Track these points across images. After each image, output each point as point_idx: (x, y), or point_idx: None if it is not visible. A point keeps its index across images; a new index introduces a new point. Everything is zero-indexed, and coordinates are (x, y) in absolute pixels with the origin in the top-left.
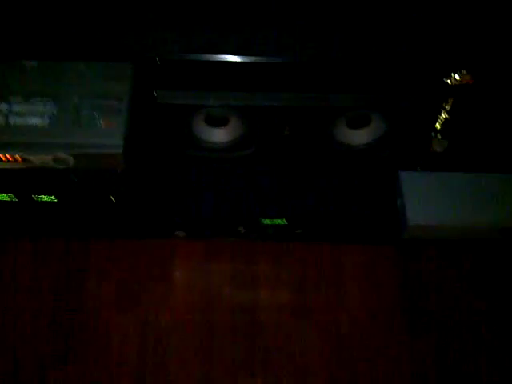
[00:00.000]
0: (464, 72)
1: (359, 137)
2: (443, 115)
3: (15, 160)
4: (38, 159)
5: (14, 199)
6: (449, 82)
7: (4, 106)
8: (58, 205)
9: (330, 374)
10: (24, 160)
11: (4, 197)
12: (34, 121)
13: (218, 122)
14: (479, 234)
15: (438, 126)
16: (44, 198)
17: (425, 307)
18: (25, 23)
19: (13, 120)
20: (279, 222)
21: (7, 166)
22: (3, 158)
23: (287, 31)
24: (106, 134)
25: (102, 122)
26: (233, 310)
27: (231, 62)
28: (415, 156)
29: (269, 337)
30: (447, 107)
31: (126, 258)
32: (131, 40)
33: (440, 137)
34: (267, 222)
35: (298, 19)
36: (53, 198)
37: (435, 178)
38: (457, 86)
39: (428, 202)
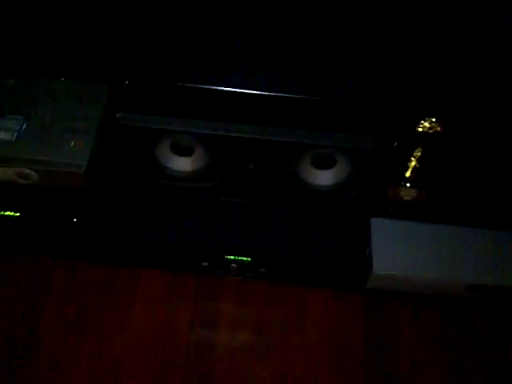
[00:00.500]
0: (433, 120)
1: (324, 177)
2: (413, 163)
3: None
4: (1, 173)
5: None
6: (419, 129)
7: None
8: (21, 221)
9: None
10: None
11: None
12: (3, 135)
13: (183, 150)
14: (446, 290)
15: (407, 173)
16: (7, 213)
17: (386, 360)
18: (4, 40)
19: None
20: (243, 258)
21: None
22: None
23: (257, 64)
24: (72, 153)
25: (69, 141)
26: (188, 347)
27: (199, 89)
28: (384, 202)
29: (222, 376)
30: (417, 155)
31: (88, 282)
32: (105, 61)
33: (409, 185)
34: (231, 257)
35: (268, 53)
36: (16, 214)
37: (406, 226)
38: (426, 133)
39: (396, 251)
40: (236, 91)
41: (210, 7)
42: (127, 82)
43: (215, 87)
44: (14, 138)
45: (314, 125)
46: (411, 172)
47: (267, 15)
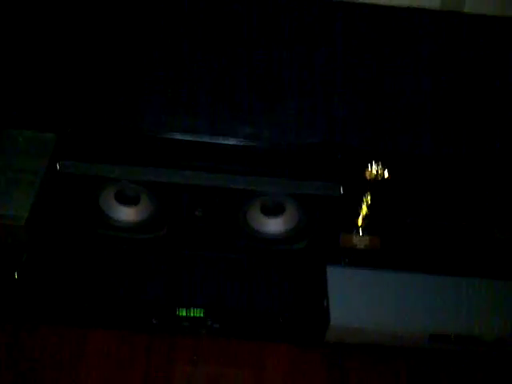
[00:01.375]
0: (380, 166)
1: (274, 225)
2: (363, 210)
3: None
4: None
5: None
6: (366, 175)
7: None
8: None
9: None
10: None
11: None
12: None
13: (128, 200)
14: (408, 341)
15: (359, 221)
16: None
17: None
18: None
19: None
20: (195, 314)
21: None
22: None
23: (201, 109)
24: (13, 205)
25: (11, 193)
26: None
27: (143, 136)
28: (337, 250)
29: None
30: (367, 201)
31: (31, 344)
32: (49, 109)
33: (362, 233)
34: (183, 313)
35: (213, 97)
36: None
37: (363, 275)
38: (374, 180)
39: (354, 301)
40: (180, 138)
41: (149, 52)
42: (70, 130)
43: (158, 134)
44: None
45: (261, 171)
46: (362, 219)
47: (207, 56)
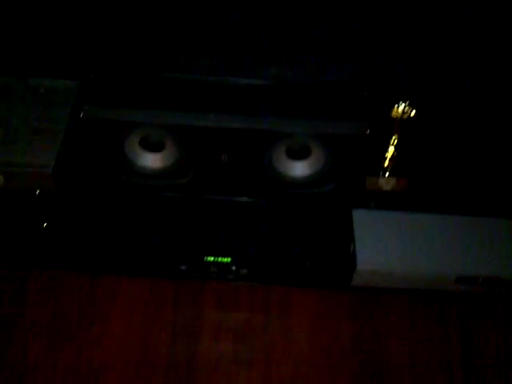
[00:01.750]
0: (407, 104)
1: (300, 168)
2: (390, 151)
3: None
4: None
5: None
6: (393, 114)
7: None
8: None
9: None
10: None
11: None
12: None
13: (153, 146)
14: (434, 283)
15: (385, 163)
16: None
17: (375, 356)
18: None
19: None
20: (223, 259)
21: None
22: None
23: (226, 50)
24: (39, 154)
25: (36, 142)
26: (169, 357)
27: (167, 78)
28: (363, 193)
29: None
30: (393, 142)
31: (63, 292)
32: (71, 55)
33: (388, 175)
34: (210, 259)
35: (238, 38)
36: None
37: (390, 217)
38: (401, 119)
39: (380, 245)
40: (205, 79)
41: None
42: (93, 75)
43: (183, 76)
44: None
45: (287, 111)
46: (389, 161)
47: None
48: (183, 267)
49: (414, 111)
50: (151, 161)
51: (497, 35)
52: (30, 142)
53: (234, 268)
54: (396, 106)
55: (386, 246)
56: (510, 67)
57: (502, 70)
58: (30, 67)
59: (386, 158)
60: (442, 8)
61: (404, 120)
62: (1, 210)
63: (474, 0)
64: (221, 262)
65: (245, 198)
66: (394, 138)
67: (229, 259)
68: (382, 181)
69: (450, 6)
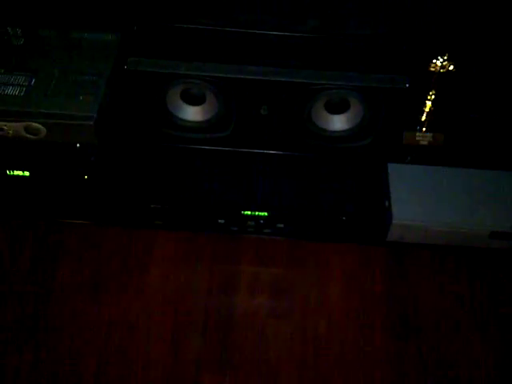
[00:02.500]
0: (446, 58)
1: (339, 122)
2: (428, 106)
3: None
4: (9, 127)
5: None
6: (431, 68)
7: None
8: (32, 181)
9: (300, 376)
10: None
11: None
12: (12, 91)
13: (194, 99)
14: (469, 238)
15: (422, 117)
16: (18, 173)
17: (409, 311)
18: None
19: None
20: (260, 213)
21: None
22: None
23: (264, 3)
24: (80, 106)
25: (78, 95)
26: (207, 309)
27: (208, 30)
28: (400, 148)
29: (241, 336)
30: (431, 97)
31: (102, 244)
32: (113, 8)
33: (425, 129)
34: (248, 213)
35: None
36: (26, 174)
37: (425, 172)
38: (439, 73)
39: (416, 199)
40: (244, 31)
41: None
42: (136, 28)
43: (223, 28)
44: (22, 93)
45: (327, 64)
46: (426, 115)
47: None
48: (221, 221)
49: (452, 65)
50: (192, 114)
51: None
52: (72, 94)
53: (270, 222)
54: (434, 60)
55: (421, 201)
56: None
57: None
58: (72, 20)
59: (424, 113)
60: None
61: (442, 74)
62: (42, 161)
63: None
64: (258, 216)
65: (283, 152)
66: (431, 92)
67: (266, 213)
68: (418, 135)
69: None
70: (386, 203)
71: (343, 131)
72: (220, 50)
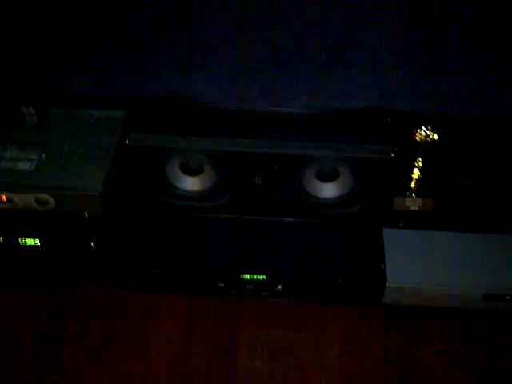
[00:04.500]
0: (429, 128)
1: (329, 190)
2: (416, 172)
3: (0, 200)
4: (20, 199)
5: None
6: (416, 137)
7: None
8: (41, 249)
9: None
10: (8, 200)
11: None
12: (23, 165)
13: (192, 170)
14: (463, 301)
15: (412, 184)
16: (28, 241)
17: (408, 372)
18: (21, 69)
19: (3, 165)
20: (259, 277)
21: None
22: None
23: (258, 80)
24: (87, 178)
25: (85, 168)
26: (208, 370)
27: (205, 109)
28: (391, 213)
29: None
30: (418, 164)
31: (107, 308)
32: (118, 88)
33: (415, 195)
34: (247, 277)
35: (266, 69)
36: (36, 242)
37: (419, 236)
38: (424, 141)
39: (410, 263)
40: (238, 108)
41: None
42: (138, 106)
43: (220, 106)
44: (33, 167)
45: (316, 136)
46: (415, 182)
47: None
48: (221, 285)
49: (436, 135)
50: (191, 184)
51: None
52: (80, 167)
53: (269, 285)
54: (419, 130)
55: (414, 264)
56: None
57: None
58: (80, 100)
59: (412, 180)
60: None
61: (428, 143)
62: (51, 231)
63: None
64: (257, 280)
65: (278, 218)
66: (418, 160)
67: (264, 277)
68: (408, 201)
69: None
70: (382, 266)
71: (334, 198)
72: (215, 125)
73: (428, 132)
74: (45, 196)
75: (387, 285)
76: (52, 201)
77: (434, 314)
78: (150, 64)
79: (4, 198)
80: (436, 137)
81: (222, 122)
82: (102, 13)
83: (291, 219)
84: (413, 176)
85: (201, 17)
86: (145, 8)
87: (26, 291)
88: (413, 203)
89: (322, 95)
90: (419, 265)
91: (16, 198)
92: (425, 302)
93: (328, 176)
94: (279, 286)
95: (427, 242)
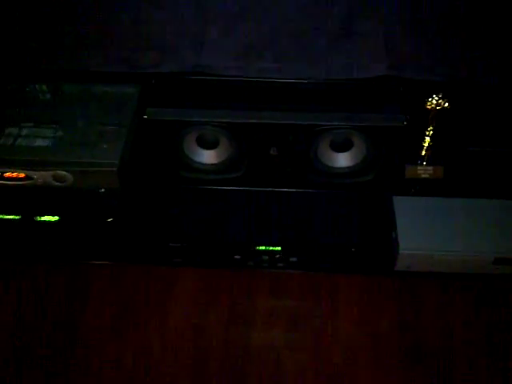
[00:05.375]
0: (440, 96)
1: (343, 160)
2: (426, 141)
3: (19, 177)
4: (39, 176)
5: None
6: (427, 106)
7: (14, 131)
8: (60, 225)
9: None
10: (27, 177)
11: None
12: (39, 143)
13: (209, 144)
14: (474, 265)
15: (422, 152)
16: (46, 218)
17: (420, 338)
18: (34, 47)
19: (20, 142)
20: (274, 248)
21: (12, 183)
22: (8, 175)
23: (269, 53)
24: (104, 154)
25: (101, 143)
26: (225, 341)
27: (220, 81)
28: (403, 182)
29: (261, 369)
30: (429, 133)
31: (125, 283)
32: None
33: (425, 163)
34: (262, 248)
35: (277, 42)
36: (54, 218)
37: (429, 203)
38: (435, 110)
39: (421, 229)
40: (256, 80)
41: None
42: (154, 81)
43: (234, 78)
44: (50, 143)
45: (330, 107)
46: (426, 150)
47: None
48: (237, 257)
49: (446, 103)
50: (207, 157)
51: None
52: (96, 143)
53: (284, 256)
54: (430, 98)
55: (426, 231)
56: None
57: None
58: (94, 76)
59: (423, 148)
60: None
61: (438, 111)
62: (69, 206)
63: None
64: (272, 251)
65: (293, 190)
66: (430, 128)
67: (279, 248)
68: (420, 169)
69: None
70: (393, 234)
71: (348, 168)
72: (231, 97)
73: (439, 101)
74: (62, 172)
75: (400, 251)
76: (70, 177)
77: (445, 279)
78: (164, 39)
79: (22, 175)
80: (447, 105)
81: (237, 95)
82: None
83: (305, 190)
84: (424, 144)
85: None
86: None
87: (42, 269)
88: (424, 171)
89: (334, 66)
90: (430, 231)
91: (34, 175)
92: (436, 268)
93: (342, 146)
94: (294, 258)
95: (438, 209)
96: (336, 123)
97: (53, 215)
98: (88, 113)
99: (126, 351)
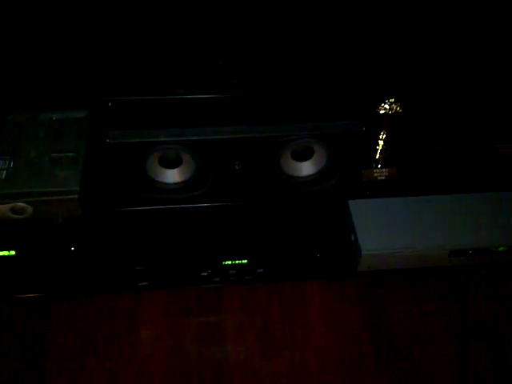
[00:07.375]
0: (392, 101)
1: (305, 168)
2: (381, 144)
3: None
4: None
5: None
6: (380, 111)
7: None
8: (18, 259)
9: None
10: None
11: None
12: None
13: (171, 163)
14: (431, 259)
15: (377, 155)
16: (3, 253)
17: (390, 335)
18: None
19: None
20: (241, 262)
21: None
22: None
23: (228, 68)
24: (63, 182)
25: (58, 172)
26: (200, 358)
27: (181, 99)
28: (361, 185)
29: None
30: (382, 136)
31: (90, 312)
32: (84, 85)
33: (381, 166)
34: (229, 263)
35: (233, 59)
36: (12, 253)
37: (384, 204)
38: (388, 114)
39: (379, 230)
40: (213, 97)
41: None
42: (110, 104)
43: (192, 96)
44: (3, 176)
45: (290, 118)
46: (380, 153)
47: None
48: (204, 273)
49: (399, 107)
50: (170, 176)
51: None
52: (52, 172)
53: (250, 269)
54: (382, 103)
55: (384, 231)
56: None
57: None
58: (39, 103)
59: (378, 151)
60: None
61: (392, 115)
62: (29, 238)
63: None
64: (239, 264)
65: (257, 202)
66: (383, 132)
67: (246, 261)
68: (376, 172)
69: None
70: (353, 237)
71: (310, 176)
72: (191, 115)
73: (392, 105)
74: (21, 204)
75: (362, 253)
76: (29, 208)
77: (404, 275)
78: (113, 61)
79: None
80: (399, 109)
81: (198, 112)
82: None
83: (270, 202)
84: (378, 148)
85: None
86: None
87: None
88: (380, 173)
89: (288, 79)
90: (388, 231)
91: None
92: (396, 265)
93: (303, 155)
94: (261, 269)
95: (394, 209)
96: (296, 133)
97: (10, 250)
98: (39, 142)
99: (98, 379)
